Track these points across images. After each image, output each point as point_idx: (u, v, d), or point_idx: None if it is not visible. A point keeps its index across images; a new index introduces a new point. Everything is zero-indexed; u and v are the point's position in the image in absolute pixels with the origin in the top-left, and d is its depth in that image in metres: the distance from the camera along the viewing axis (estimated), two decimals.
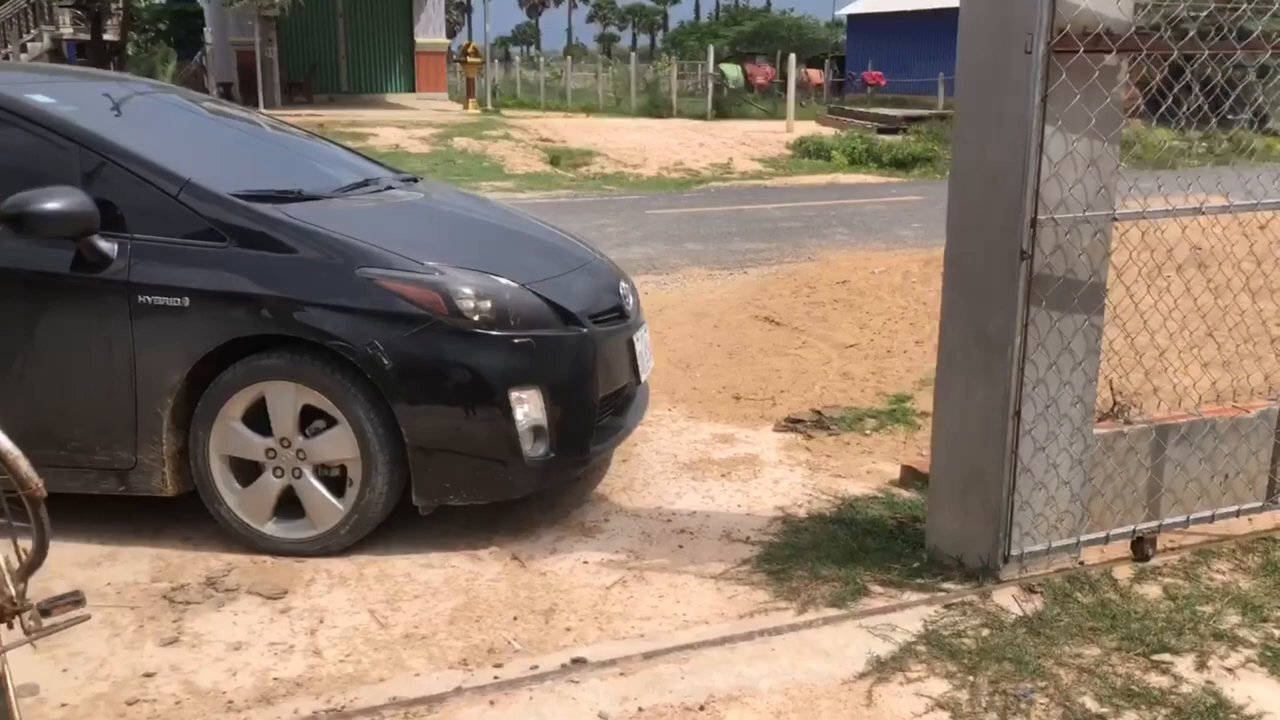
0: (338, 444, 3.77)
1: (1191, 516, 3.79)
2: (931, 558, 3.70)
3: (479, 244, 4.48)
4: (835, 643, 3.21)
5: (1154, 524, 3.74)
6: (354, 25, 30.30)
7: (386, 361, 3.67)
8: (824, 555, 3.76)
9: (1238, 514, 3.90)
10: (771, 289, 8.48)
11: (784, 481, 4.57)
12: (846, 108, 30.79)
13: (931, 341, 6.74)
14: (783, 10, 56.71)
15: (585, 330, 4.04)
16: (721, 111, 30.79)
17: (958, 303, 3.56)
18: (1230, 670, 3.06)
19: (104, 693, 2.99)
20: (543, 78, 37.38)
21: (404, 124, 22.32)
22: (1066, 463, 3.57)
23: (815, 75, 36.76)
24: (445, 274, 3.81)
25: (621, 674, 3.05)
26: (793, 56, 27.67)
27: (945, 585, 3.54)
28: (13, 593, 2.32)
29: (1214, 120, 3.55)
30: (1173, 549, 3.81)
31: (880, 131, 24.22)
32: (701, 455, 4.91)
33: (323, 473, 3.83)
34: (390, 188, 4.80)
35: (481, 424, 3.78)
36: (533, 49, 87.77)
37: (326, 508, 3.81)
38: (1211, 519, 3.84)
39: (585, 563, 3.80)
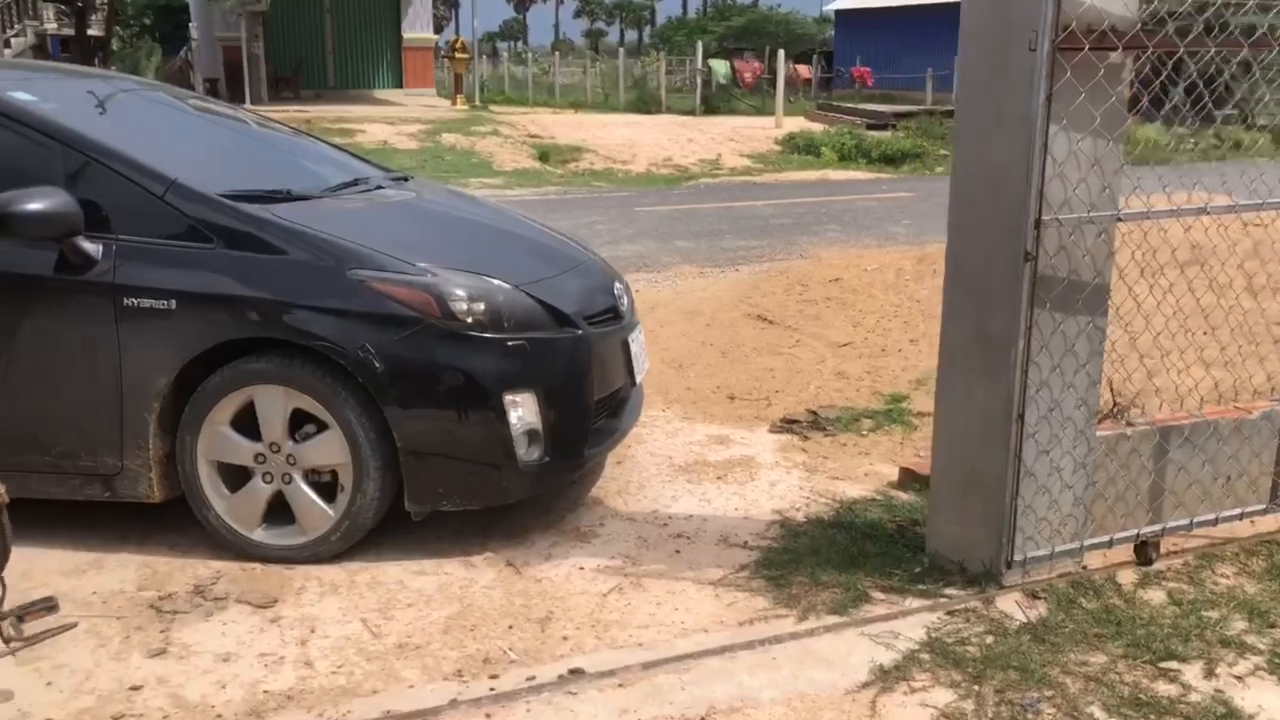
0: (328, 449, 3.69)
1: (1195, 520, 3.74)
2: (933, 562, 3.65)
3: (471, 244, 4.41)
4: (837, 651, 3.15)
5: (1158, 527, 3.69)
6: (341, 20, 30.15)
7: (378, 365, 3.59)
8: (823, 560, 3.70)
9: (1241, 517, 3.85)
10: (764, 287, 8.43)
11: (781, 484, 4.51)
12: (835, 103, 30.78)
13: (926, 340, 6.71)
14: (770, 6, 56.67)
15: (580, 332, 3.98)
16: (710, 107, 30.73)
17: (959, 303, 3.50)
18: (1239, 678, 3.01)
19: (89, 707, 2.91)
20: (531, 73, 37.26)
21: (392, 120, 22.21)
22: (1070, 466, 3.51)
23: (804, 71, 36.73)
24: (438, 275, 3.74)
25: (620, 685, 2.98)
26: (781, 52, 27.62)
27: (947, 591, 3.48)
28: None
29: (1219, 118, 3.50)
30: (1175, 552, 3.76)
31: (869, 127, 24.21)
32: (697, 457, 4.85)
33: (313, 478, 3.75)
34: (380, 187, 4.72)
35: (475, 428, 3.72)
36: (520, 44, 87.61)
37: (317, 514, 3.73)
38: (1215, 522, 3.79)
39: (581, 569, 3.73)
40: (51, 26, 35.97)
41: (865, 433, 5.15)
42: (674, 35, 63.63)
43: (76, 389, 3.73)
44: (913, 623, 3.29)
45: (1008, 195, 3.25)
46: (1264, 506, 3.91)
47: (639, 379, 4.49)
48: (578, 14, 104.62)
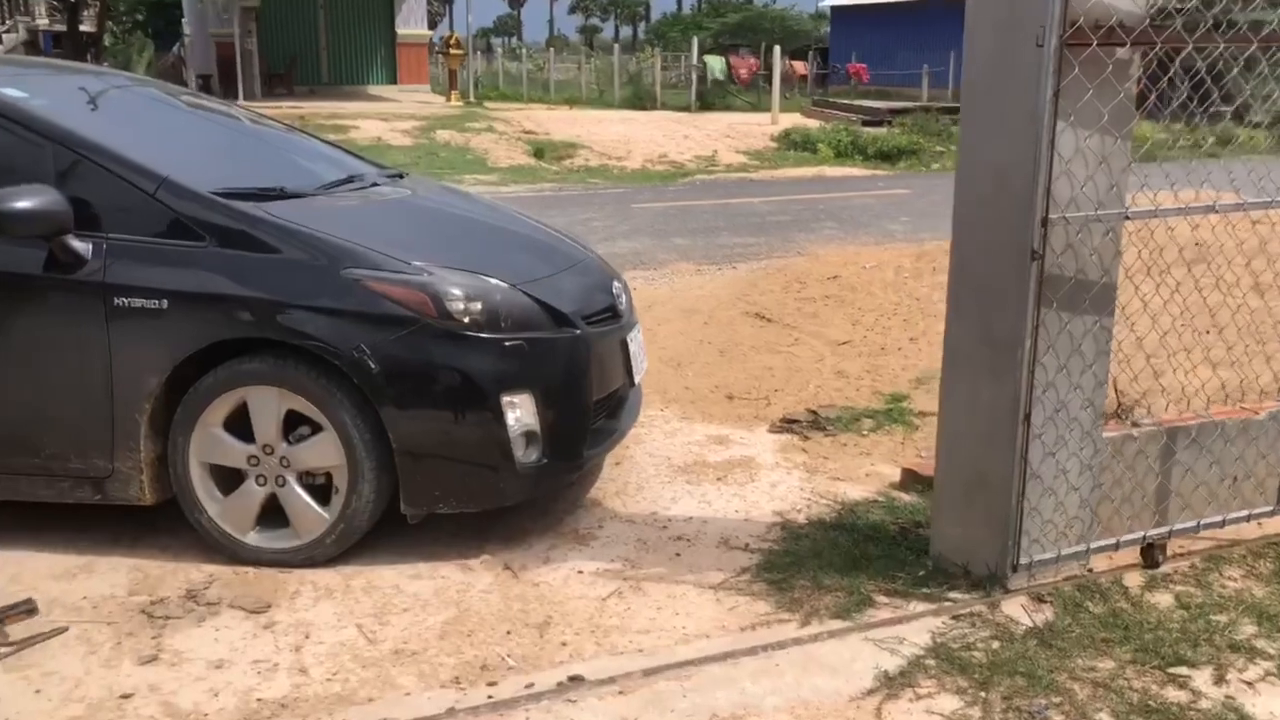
0: (323, 451, 3.63)
1: (1202, 522, 3.70)
2: (936, 565, 3.60)
3: (468, 243, 4.35)
4: (841, 657, 3.10)
5: (1164, 530, 3.64)
6: (334, 16, 30.03)
7: (373, 365, 3.54)
8: (826, 563, 3.65)
9: (1248, 518, 3.81)
10: (761, 284, 8.38)
11: (781, 485, 4.46)
12: (831, 100, 30.72)
13: (926, 338, 6.67)
14: (766, 3, 56.58)
15: (578, 332, 3.92)
16: (705, 103, 30.65)
17: (964, 303, 3.45)
18: (1250, 684, 2.96)
19: (79, 716, 2.85)
20: (525, 69, 37.18)
21: (386, 116, 22.11)
22: (1076, 468, 3.47)
23: (799, 67, 36.68)
24: (434, 274, 3.68)
25: (620, 692, 2.93)
26: (777, 48, 27.53)
27: (952, 595, 3.43)
28: None
29: (1228, 114, 3.45)
30: (1182, 555, 3.71)
31: (865, 124, 24.12)
32: (696, 458, 4.79)
33: (307, 480, 3.70)
34: (375, 184, 4.66)
35: (472, 429, 3.66)
36: (515, 40, 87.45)
37: (311, 517, 3.68)
38: (1222, 524, 3.75)
39: (580, 572, 3.68)
40: (44, 22, 35.86)
41: (866, 433, 5.10)
42: (669, 31, 63.58)
43: (66, 390, 3.67)
44: (917, 627, 3.24)
45: (1014, 193, 3.20)
46: (1271, 508, 3.87)
47: (638, 379, 4.44)
48: (572, 10, 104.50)
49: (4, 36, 31.40)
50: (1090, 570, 3.58)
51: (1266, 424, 3.83)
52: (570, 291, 4.07)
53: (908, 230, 11.64)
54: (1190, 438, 3.69)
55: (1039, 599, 3.40)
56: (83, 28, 33.85)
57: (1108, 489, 3.56)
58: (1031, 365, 3.28)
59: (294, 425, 3.65)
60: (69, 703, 2.91)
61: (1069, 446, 3.43)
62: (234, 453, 3.69)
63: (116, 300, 3.60)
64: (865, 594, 3.43)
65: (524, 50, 47.92)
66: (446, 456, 3.66)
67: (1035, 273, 3.20)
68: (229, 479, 3.73)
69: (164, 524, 3.87)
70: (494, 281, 3.79)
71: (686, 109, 29.48)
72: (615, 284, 4.43)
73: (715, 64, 33.57)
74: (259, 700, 2.92)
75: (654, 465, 4.70)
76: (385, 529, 3.78)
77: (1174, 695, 2.90)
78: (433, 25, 34.82)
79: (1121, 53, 3.13)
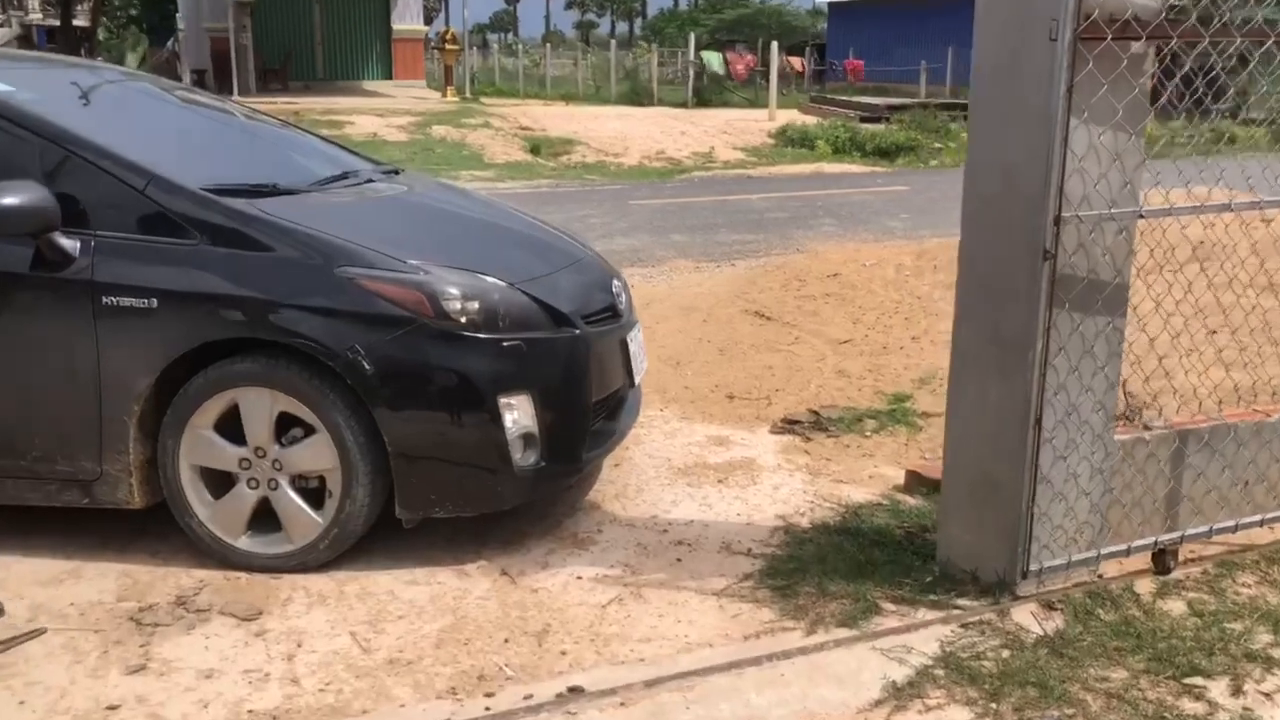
0: (316, 453, 3.55)
1: (1214, 526, 3.62)
2: (944, 571, 3.52)
3: (465, 241, 4.27)
4: (848, 667, 3.02)
5: (1176, 535, 3.57)
6: (330, 11, 29.93)
7: (368, 366, 3.45)
8: (830, 569, 3.56)
9: (1261, 523, 3.73)
10: (760, 282, 8.30)
11: (784, 488, 4.38)
12: (829, 96, 30.63)
13: (928, 337, 6.60)
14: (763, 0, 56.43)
15: (577, 331, 3.84)
16: (702, 100, 30.57)
17: (973, 303, 3.36)
18: (1267, 695, 2.88)
19: None
20: (521, 65, 37.08)
21: (381, 112, 22.00)
22: (1087, 472, 3.39)
23: (796, 63, 36.60)
24: (430, 273, 3.60)
25: (622, 704, 2.85)
26: (775, 44, 27.45)
27: (960, 602, 3.35)
28: None
29: (1244, 109, 3.37)
30: (1193, 560, 3.64)
31: (863, 120, 24.02)
32: (697, 459, 4.71)
33: (300, 484, 3.61)
34: (370, 181, 4.57)
35: (469, 432, 3.58)
36: (511, 36, 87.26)
37: (304, 521, 3.59)
38: (1235, 529, 3.67)
39: (579, 578, 3.59)
40: (37, 17, 35.72)
41: (869, 434, 5.02)
42: (665, 27, 63.46)
43: (53, 391, 3.58)
44: (925, 636, 3.17)
45: (1025, 191, 3.12)
46: None
47: (637, 379, 4.35)
48: (568, 6, 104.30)
49: None
50: (1100, 576, 3.51)
51: (1279, 426, 3.76)
52: (569, 290, 3.99)
53: (907, 227, 11.57)
54: (1202, 441, 3.61)
55: (1049, 606, 3.33)
56: (77, 22, 33.70)
57: (1118, 493, 3.48)
58: (1043, 367, 3.20)
59: (286, 427, 3.57)
60: (54, 714, 2.82)
61: (1080, 450, 3.36)
62: (225, 455, 3.60)
63: (105, 299, 3.51)
64: (871, 601, 3.35)
65: (520, 46, 47.84)
66: (442, 459, 3.58)
67: (1047, 273, 3.12)
68: (220, 482, 3.64)
69: (154, 528, 3.78)
70: (491, 280, 3.71)
71: (683, 105, 29.39)
72: (615, 282, 4.35)
73: (713, 60, 33.49)
74: (250, 712, 2.84)
75: (654, 467, 4.62)
76: (380, 533, 3.70)
77: (1190, 707, 2.82)
78: (428, 20, 34.65)
79: (1136, 47, 3.05)
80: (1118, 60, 3.03)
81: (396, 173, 4.95)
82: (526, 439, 3.66)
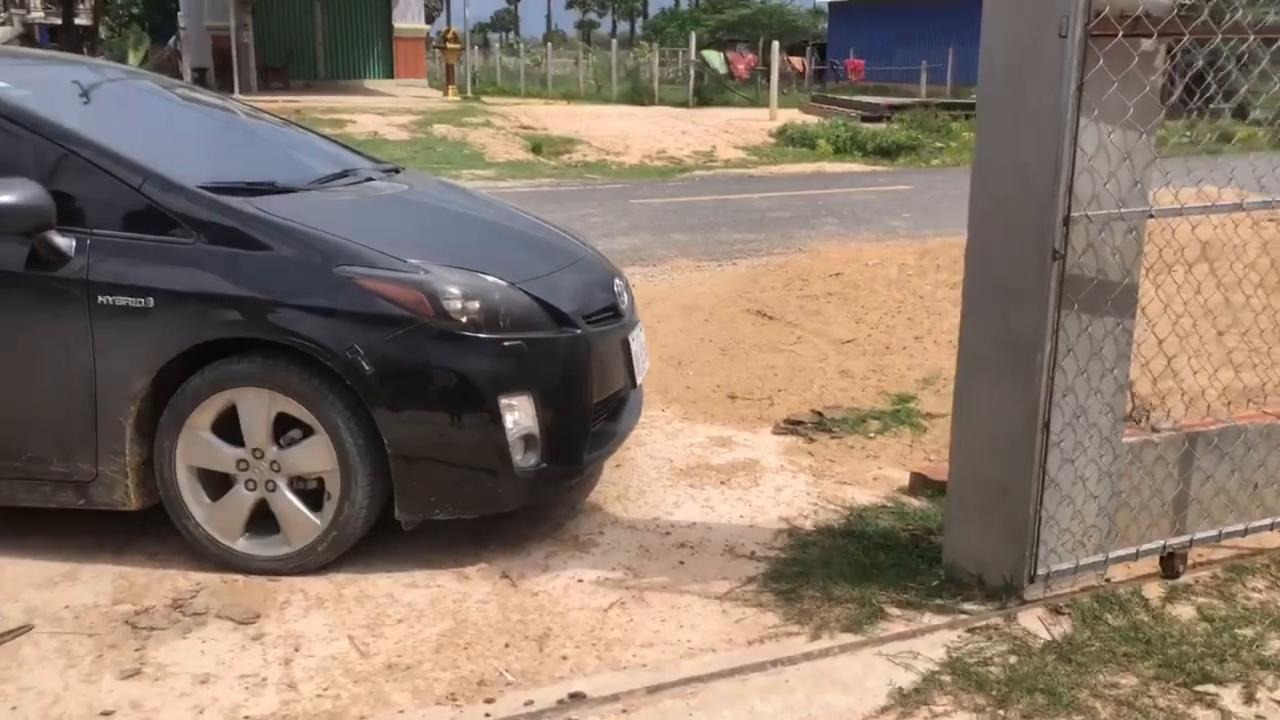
0: (314, 454, 3.50)
1: (1223, 530, 3.57)
2: (949, 575, 3.47)
3: (465, 240, 4.22)
4: (853, 673, 2.98)
5: (1185, 539, 3.52)
6: (331, 10, 29.89)
7: (367, 366, 3.41)
8: (835, 573, 3.52)
9: (1271, 527, 3.68)
10: (762, 281, 8.25)
11: (787, 489, 4.33)
12: (829, 95, 30.57)
13: (931, 337, 6.55)
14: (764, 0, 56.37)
15: (579, 331, 3.79)
16: (703, 99, 30.52)
17: (980, 304, 3.31)
18: None
19: None
20: (523, 64, 37.02)
21: (383, 111, 21.96)
22: (1094, 475, 3.34)
23: (797, 63, 36.54)
24: (430, 272, 3.55)
25: (624, 711, 2.80)
26: (776, 44, 27.40)
27: (966, 606, 3.31)
28: None
29: (1251, 109, 3.33)
30: (1202, 564, 3.59)
31: (864, 120, 23.97)
32: (699, 460, 4.67)
33: (298, 485, 3.56)
34: (370, 179, 4.53)
35: (469, 433, 3.53)
36: (512, 35, 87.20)
37: (303, 523, 3.55)
38: (1244, 533, 3.62)
39: (580, 581, 3.55)
40: (39, 15, 35.70)
41: (873, 435, 4.98)
42: (666, 27, 63.41)
43: (48, 391, 3.54)
44: (932, 641, 3.12)
45: (1034, 191, 3.07)
46: None
47: (639, 380, 4.31)
48: (569, 5, 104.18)
49: None
50: (1108, 580, 3.47)
51: None
52: (570, 290, 3.95)
53: (909, 227, 11.52)
54: (1211, 443, 3.56)
55: (1056, 611, 3.28)
56: (79, 21, 33.67)
57: (1126, 496, 3.44)
58: (1051, 369, 3.15)
59: (285, 428, 3.52)
60: None
61: (1088, 453, 3.31)
62: (222, 456, 3.56)
63: (100, 298, 3.47)
64: (877, 605, 3.31)
65: (521, 45, 47.78)
66: (442, 461, 3.54)
67: (1056, 273, 3.07)
68: (217, 484, 3.60)
69: (151, 529, 3.74)
70: (492, 280, 3.66)
71: (684, 105, 29.33)
72: (616, 282, 4.31)
73: (714, 59, 33.45)
74: (246, 718, 2.79)
75: (655, 468, 4.57)
76: (379, 536, 3.66)
77: (1202, 715, 2.78)
78: (430, 19, 34.62)
79: (1147, 44, 3.01)
80: (1129, 57, 2.99)
81: (396, 171, 4.90)
82: (527, 440, 3.62)
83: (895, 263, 8.52)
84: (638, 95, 31.02)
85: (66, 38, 31.31)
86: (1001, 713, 2.79)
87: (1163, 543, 3.49)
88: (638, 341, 4.27)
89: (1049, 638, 3.14)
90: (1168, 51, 3.12)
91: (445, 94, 27.35)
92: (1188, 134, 3.78)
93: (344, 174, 4.44)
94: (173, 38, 31.36)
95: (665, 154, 19.88)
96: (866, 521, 3.95)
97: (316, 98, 24.01)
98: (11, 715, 2.79)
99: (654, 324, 6.79)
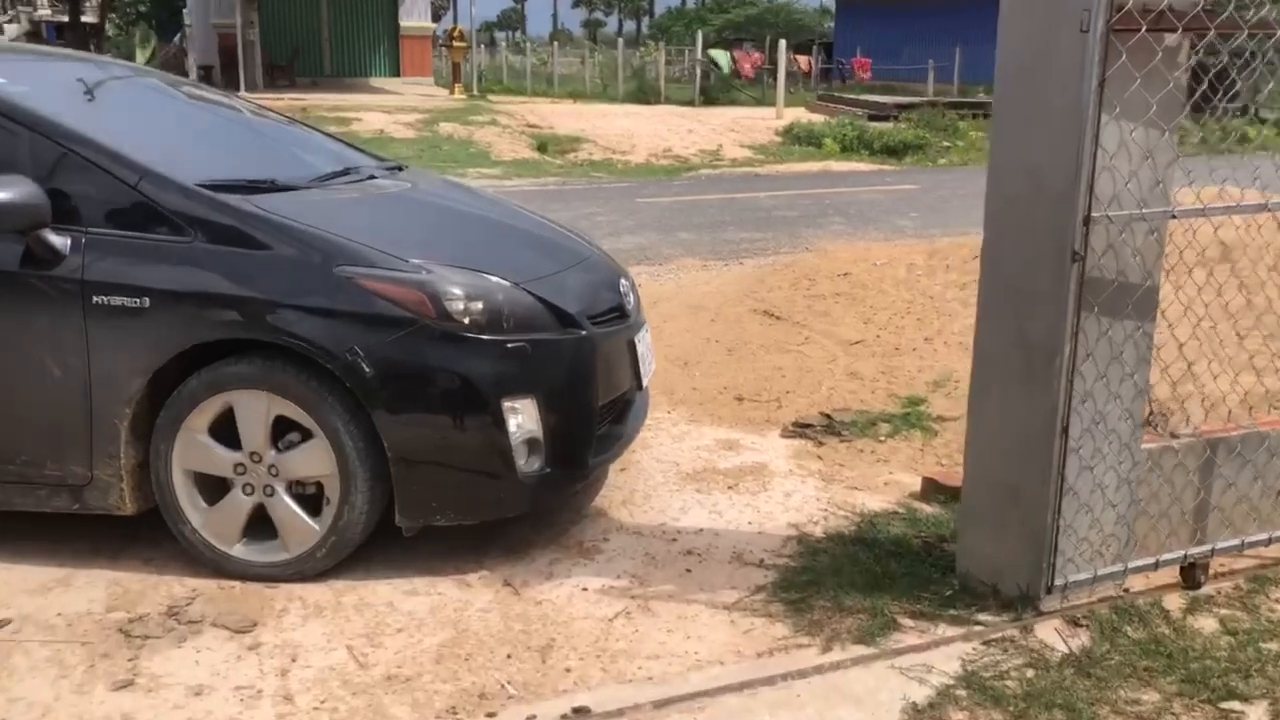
0: (313, 458, 3.43)
1: (1246, 540, 3.49)
2: (963, 584, 3.39)
3: (469, 239, 4.14)
4: (866, 686, 2.89)
5: (1206, 548, 3.43)
6: (337, 7, 29.80)
7: (367, 369, 3.33)
8: (846, 582, 3.43)
9: None
10: (769, 281, 8.15)
11: (796, 494, 4.25)
12: (836, 94, 30.44)
13: (941, 338, 6.46)
14: None
15: (584, 332, 3.71)
16: (709, 98, 30.40)
17: (996, 306, 3.22)
18: None
19: None
20: (529, 63, 36.90)
21: (389, 109, 21.88)
22: (1113, 482, 3.26)
23: (804, 62, 36.39)
24: (432, 272, 3.47)
25: None
26: (783, 42, 27.28)
27: (981, 617, 3.22)
28: None
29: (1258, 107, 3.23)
30: (1224, 574, 3.50)
31: (871, 119, 23.83)
32: (706, 464, 4.58)
33: (297, 490, 3.49)
34: (373, 177, 4.44)
35: (471, 436, 3.45)
36: (518, 34, 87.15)
37: (301, 528, 3.47)
38: (1268, 542, 3.53)
39: (584, 589, 3.47)
40: (46, 13, 35.71)
41: (883, 438, 4.89)
42: (672, 26, 63.34)
43: (42, 393, 3.46)
44: (946, 654, 3.03)
45: (1053, 190, 2.98)
46: None
47: (645, 381, 4.22)
48: (576, 4, 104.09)
49: (5, 27, 31.19)
50: (1127, 591, 3.38)
51: None
52: (575, 290, 3.86)
53: (917, 226, 11.42)
54: (1233, 449, 3.47)
55: (1074, 622, 3.19)
56: (85, 19, 33.65)
57: (1145, 504, 3.35)
58: (1071, 374, 3.06)
59: (283, 431, 3.45)
60: None
61: (1106, 460, 3.22)
62: (219, 460, 3.48)
63: (95, 298, 3.39)
64: (889, 616, 3.22)
65: (528, 44, 47.69)
66: (444, 465, 3.46)
67: (1076, 275, 2.98)
68: (214, 488, 3.52)
69: (147, 534, 3.66)
70: (496, 280, 3.58)
71: (690, 103, 29.22)
72: (622, 282, 4.22)
73: (721, 58, 33.33)
74: None
75: (662, 472, 4.49)
76: (379, 542, 3.58)
77: None
78: (436, 18, 34.56)
79: (1171, 39, 2.92)
80: (1152, 53, 2.90)
81: (400, 169, 4.82)
82: (531, 444, 3.54)
83: (904, 262, 8.42)
84: (644, 94, 30.91)
85: (73, 35, 31.29)
86: None
87: (1183, 552, 3.41)
88: (644, 342, 4.19)
89: (1067, 651, 3.05)
90: (1191, 47, 3.03)
91: (451, 92, 27.25)
92: (1219, 130, 3.68)
93: (346, 172, 4.36)
94: (179, 35, 31.32)
95: (671, 153, 19.77)
96: (878, 528, 3.86)
97: (322, 95, 23.93)
98: None
99: (660, 323, 6.70)
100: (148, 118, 4.41)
